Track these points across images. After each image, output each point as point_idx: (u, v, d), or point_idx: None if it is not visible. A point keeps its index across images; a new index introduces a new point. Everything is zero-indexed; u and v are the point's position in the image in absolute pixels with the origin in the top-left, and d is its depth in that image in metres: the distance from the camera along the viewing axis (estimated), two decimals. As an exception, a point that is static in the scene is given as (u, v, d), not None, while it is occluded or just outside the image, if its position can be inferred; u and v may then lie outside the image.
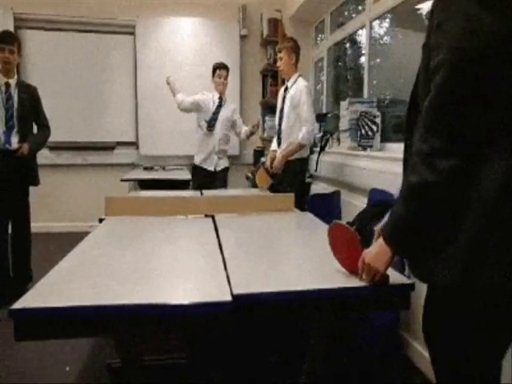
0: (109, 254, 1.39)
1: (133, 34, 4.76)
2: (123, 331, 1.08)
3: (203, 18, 4.81)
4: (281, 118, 3.04)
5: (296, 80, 3.01)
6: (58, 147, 4.64)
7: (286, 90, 3.07)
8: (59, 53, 4.66)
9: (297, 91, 2.93)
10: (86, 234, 1.64)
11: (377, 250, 0.99)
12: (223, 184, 3.83)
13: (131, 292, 1.03)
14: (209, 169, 3.78)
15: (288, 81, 3.09)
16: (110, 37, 4.78)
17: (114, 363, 1.86)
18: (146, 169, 4.50)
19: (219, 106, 3.74)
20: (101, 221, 1.93)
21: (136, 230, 1.77)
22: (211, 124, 3.71)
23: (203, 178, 3.70)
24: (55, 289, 1.05)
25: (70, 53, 4.68)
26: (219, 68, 3.69)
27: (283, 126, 3.02)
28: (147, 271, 1.22)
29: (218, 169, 3.81)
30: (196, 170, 3.84)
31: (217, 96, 3.74)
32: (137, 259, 1.33)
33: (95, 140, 4.81)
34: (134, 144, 4.93)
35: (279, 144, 3.07)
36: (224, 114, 3.76)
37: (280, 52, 3.03)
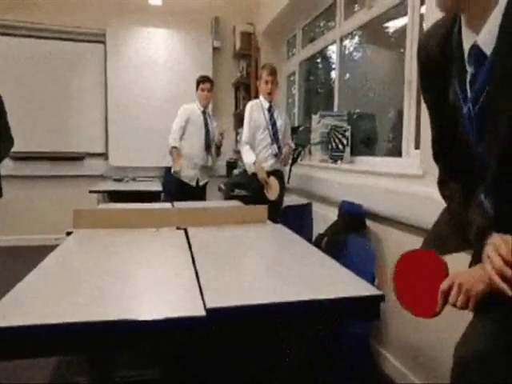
0: (76, 269, 1.35)
1: (103, 42, 4.70)
2: (92, 350, 1.04)
3: (175, 29, 4.81)
4: (276, 133, 3.14)
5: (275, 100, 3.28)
6: (23, 157, 4.49)
7: (270, 108, 3.15)
8: (24, 60, 4.54)
9: (283, 117, 3.24)
10: (53, 247, 1.58)
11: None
12: (204, 198, 3.82)
13: (100, 308, 1.00)
14: (191, 183, 3.75)
15: (270, 101, 3.17)
16: (79, 45, 4.70)
17: (82, 381, 1.79)
18: (115, 180, 4.42)
19: (206, 118, 3.74)
20: (68, 234, 1.87)
21: (105, 243, 1.73)
22: (207, 141, 3.73)
23: (186, 193, 3.57)
24: (19, 306, 1.01)
25: (36, 60, 4.57)
26: (203, 81, 3.70)
27: (281, 138, 3.17)
28: (117, 286, 1.19)
29: (201, 183, 3.81)
30: (179, 183, 3.72)
31: (200, 110, 3.73)
32: (106, 274, 1.30)
33: (63, 150, 4.68)
34: (104, 155, 4.83)
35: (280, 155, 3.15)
36: (211, 126, 3.81)
37: (272, 76, 3.11)
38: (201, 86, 3.69)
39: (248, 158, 3.13)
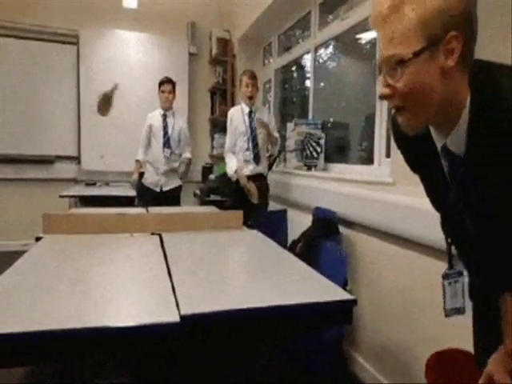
0: (47, 276, 1.32)
1: (76, 44, 4.61)
2: (63, 358, 1.02)
3: (151, 34, 4.77)
4: (254, 138, 3.12)
5: (256, 104, 3.27)
6: (-11, 160, 4.34)
7: (250, 113, 3.13)
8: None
9: (266, 113, 3.27)
10: (22, 253, 1.54)
11: None
12: (172, 204, 3.70)
13: (72, 316, 0.98)
14: (156, 189, 3.65)
15: (251, 106, 3.15)
16: (50, 45, 4.58)
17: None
18: (88, 184, 4.32)
19: (165, 121, 3.62)
20: (38, 239, 1.82)
21: (77, 249, 1.69)
22: (165, 145, 3.61)
23: (153, 199, 3.48)
24: (-14, 314, 0.98)
25: (4, 59, 4.42)
26: (162, 83, 3.61)
27: (260, 144, 3.13)
28: (89, 292, 1.17)
29: (165, 189, 3.65)
30: (146, 189, 3.66)
31: (161, 114, 3.64)
32: (77, 280, 1.27)
33: (32, 153, 4.54)
34: (76, 158, 4.72)
35: (258, 160, 3.11)
36: (172, 128, 3.65)
37: (253, 79, 3.12)
38: (161, 87, 3.60)
39: (230, 165, 3.13)
